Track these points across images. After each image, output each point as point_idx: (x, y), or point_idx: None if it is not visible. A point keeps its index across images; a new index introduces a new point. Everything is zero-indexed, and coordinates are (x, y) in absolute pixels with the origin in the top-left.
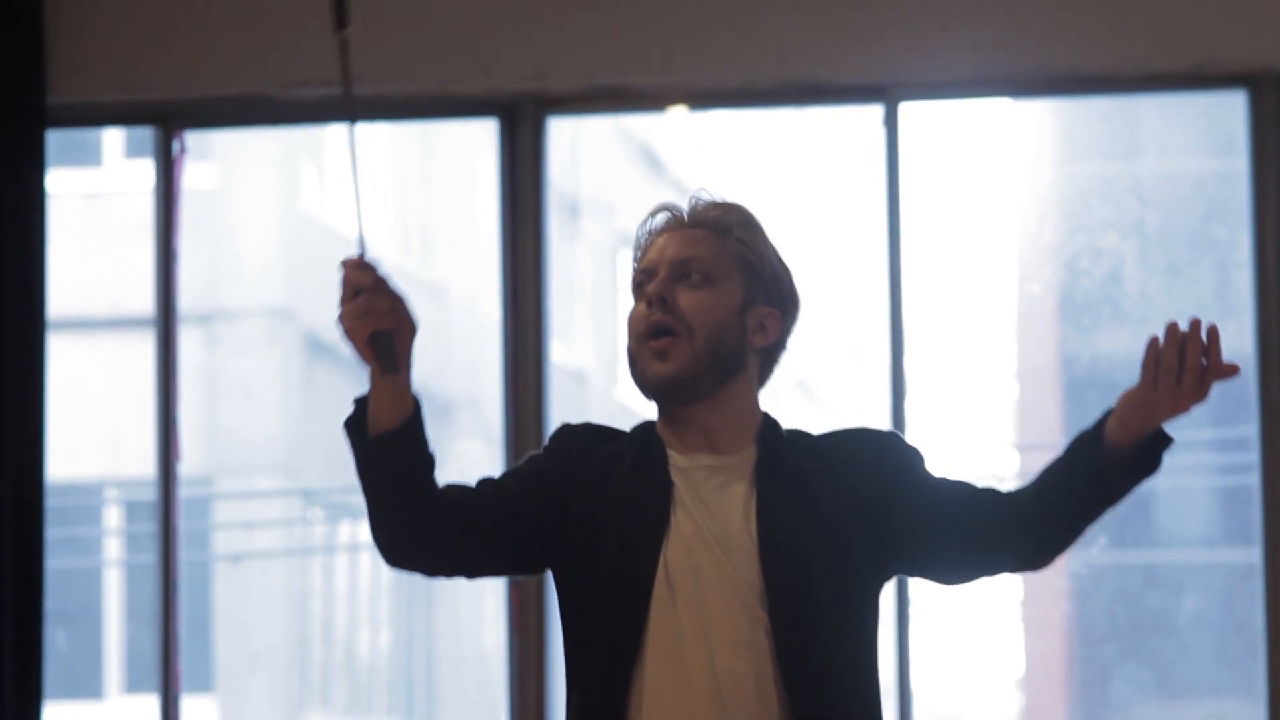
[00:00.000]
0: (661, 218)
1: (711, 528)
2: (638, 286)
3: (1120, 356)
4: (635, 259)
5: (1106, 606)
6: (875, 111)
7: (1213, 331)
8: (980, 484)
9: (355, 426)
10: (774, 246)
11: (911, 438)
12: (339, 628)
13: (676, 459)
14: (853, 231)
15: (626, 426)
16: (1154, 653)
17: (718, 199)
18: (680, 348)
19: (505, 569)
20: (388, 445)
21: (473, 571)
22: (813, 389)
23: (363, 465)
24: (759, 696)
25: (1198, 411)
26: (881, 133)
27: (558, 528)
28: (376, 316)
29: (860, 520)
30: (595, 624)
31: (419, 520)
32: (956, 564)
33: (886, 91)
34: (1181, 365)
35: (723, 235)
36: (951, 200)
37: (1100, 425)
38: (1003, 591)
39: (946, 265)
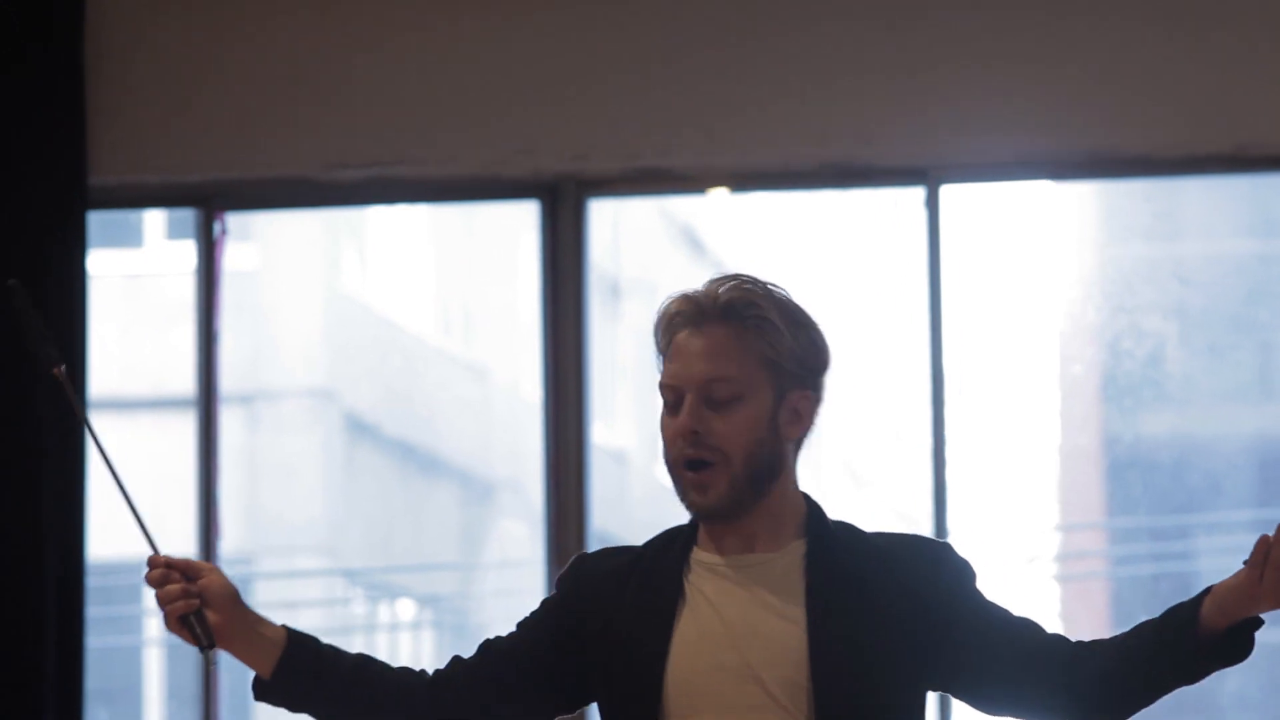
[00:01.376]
0: (676, 311)
1: (742, 625)
2: (663, 389)
3: (1162, 437)
4: (657, 348)
5: None
6: (917, 193)
7: None
8: (1048, 627)
9: (262, 688)
10: (790, 313)
11: (953, 518)
12: None
13: (706, 556)
14: (894, 313)
15: (668, 505)
16: None
17: (724, 281)
18: (718, 477)
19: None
20: (280, 690)
21: None
22: (856, 471)
23: (299, 712)
24: None
25: (1238, 491)
26: (923, 214)
27: (576, 661)
28: (173, 604)
29: (913, 626)
30: None
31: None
32: (1011, 698)
33: (928, 174)
34: None
35: (739, 325)
36: (993, 282)
37: (1197, 603)
38: None
39: (988, 346)
